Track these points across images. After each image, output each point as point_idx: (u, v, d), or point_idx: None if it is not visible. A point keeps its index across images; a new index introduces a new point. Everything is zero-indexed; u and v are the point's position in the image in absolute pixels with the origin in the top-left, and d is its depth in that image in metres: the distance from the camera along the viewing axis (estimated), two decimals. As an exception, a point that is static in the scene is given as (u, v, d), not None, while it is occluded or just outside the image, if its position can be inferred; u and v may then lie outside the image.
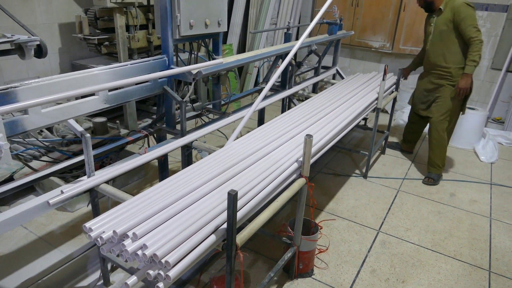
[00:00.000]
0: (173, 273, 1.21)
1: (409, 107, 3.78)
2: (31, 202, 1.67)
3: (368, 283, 2.18)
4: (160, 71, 2.28)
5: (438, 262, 2.38)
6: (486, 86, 4.72)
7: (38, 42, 1.87)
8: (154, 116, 3.02)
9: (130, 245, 1.27)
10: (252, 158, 1.92)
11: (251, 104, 2.55)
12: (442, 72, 3.18)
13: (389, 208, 2.91)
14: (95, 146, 2.23)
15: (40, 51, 1.92)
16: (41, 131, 2.89)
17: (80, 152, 2.62)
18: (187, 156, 2.27)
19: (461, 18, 2.89)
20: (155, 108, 3.85)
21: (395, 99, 3.62)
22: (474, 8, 2.91)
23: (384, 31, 5.07)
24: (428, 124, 3.50)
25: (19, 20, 2.02)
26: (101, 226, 1.38)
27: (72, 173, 2.64)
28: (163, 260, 1.21)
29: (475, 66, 2.95)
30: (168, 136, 2.56)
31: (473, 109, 4.16)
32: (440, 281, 2.23)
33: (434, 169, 3.37)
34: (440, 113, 3.22)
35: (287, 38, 3.56)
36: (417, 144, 4.10)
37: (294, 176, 1.88)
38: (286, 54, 2.95)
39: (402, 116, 4.69)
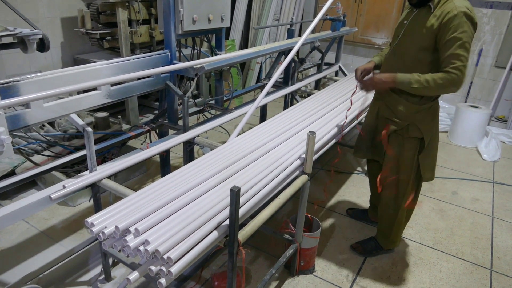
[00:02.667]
0: (175, 269, 1.20)
1: None
2: (33, 196, 1.67)
3: (369, 281, 2.18)
4: (162, 66, 2.27)
5: (439, 260, 2.38)
6: (490, 85, 4.70)
7: (40, 36, 1.86)
8: (156, 112, 3.01)
9: (132, 241, 1.26)
10: (255, 155, 1.92)
11: (253, 100, 2.54)
12: (389, 105, 2.01)
13: (391, 206, 2.90)
14: (97, 141, 2.22)
15: (43, 45, 1.92)
16: (43, 125, 2.88)
17: (82, 147, 2.62)
18: (189, 152, 2.26)
19: (450, 33, 1.70)
20: (157, 103, 3.85)
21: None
22: (475, 23, 1.72)
23: (387, 28, 5.04)
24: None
25: (21, 13, 2.01)
26: (103, 221, 1.38)
27: (73, 168, 2.64)
28: (165, 256, 1.21)
29: (412, 86, 1.79)
30: (170, 131, 2.56)
31: (476, 107, 4.14)
32: (441, 279, 2.23)
33: (384, 240, 2.34)
34: (387, 168, 2.10)
35: (290, 34, 3.54)
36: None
37: (296, 173, 1.88)
38: (289, 50, 2.93)
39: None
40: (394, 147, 2.04)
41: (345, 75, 4.17)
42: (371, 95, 2.29)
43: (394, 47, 1.97)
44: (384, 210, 2.25)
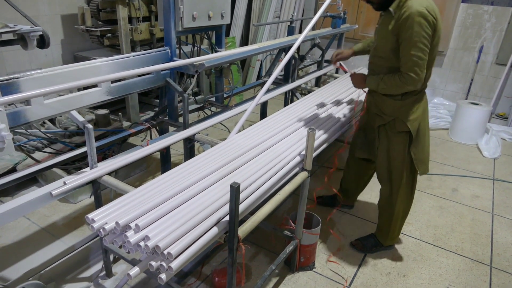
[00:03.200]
0: (175, 264, 1.21)
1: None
2: (34, 193, 1.68)
3: (369, 277, 2.19)
4: (162, 63, 2.27)
5: (439, 256, 2.39)
6: (490, 82, 4.69)
7: (40, 33, 1.86)
8: (157, 109, 3.02)
9: (132, 237, 1.27)
10: (255, 151, 1.92)
11: (253, 98, 2.54)
12: (376, 101, 2.10)
13: (391, 203, 2.90)
14: (97, 138, 2.22)
15: (43, 42, 1.92)
16: (44, 122, 2.89)
17: (82, 144, 2.62)
18: (189, 148, 2.27)
19: (404, 35, 1.78)
20: (157, 100, 3.85)
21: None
22: (430, 21, 1.74)
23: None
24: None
25: (21, 11, 2.01)
26: (104, 217, 1.39)
27: (74, 165, 2.64)
28: (165, 252, 1.21)
29: (377, 89, 1.98)
30: (171, 128, 2.56)
31: (476, 104, 4.14)
32: (441, 275, 2.23)
33: (383, 237, 2.35)
34: (380, 164, 2.17)
35: (291, 31, 3.54)
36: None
37: (296, 169, 1.88)
38: (289, 47, 2.93)
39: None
40: (383, 141, 2.10)
41: (346, 72, 4.16)
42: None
43: (373, 50, 2.06)
44: (382, 207, 2.29)
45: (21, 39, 1.89)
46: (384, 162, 2.13)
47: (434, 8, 1.79)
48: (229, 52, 2.51)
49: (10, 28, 1.78)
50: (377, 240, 2.38)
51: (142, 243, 1.25)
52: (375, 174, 2.41)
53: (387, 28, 1.88)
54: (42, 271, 2.09)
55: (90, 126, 1.78)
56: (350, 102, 2.79)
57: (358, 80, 2.14)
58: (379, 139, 2.13)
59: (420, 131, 2.02)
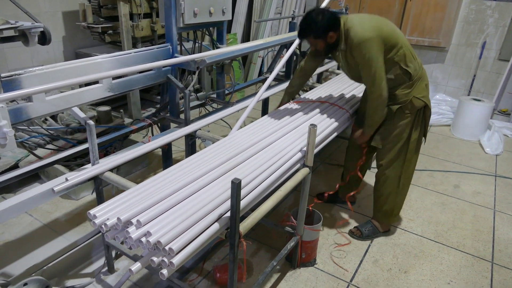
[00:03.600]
0: (176, 260, 1.22)
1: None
2: (36, 189, 1.68)
3: (370, 273, 2.19)
4: (164, 59, 2.27)
5: (441, 253, 2.39)
6: (493, 78, 4.67)
7: (41, 29, 1.86)
8: (158, 106, 3.02)
9: (134, 232, 1.27)
10: (256, 148, 1.92)
11: (255, 94, 2.54)
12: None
13: (393, 199, 2.90)
14: (99, 135, 2.23)
15: (44, 38, 1.92)
16: (46, 119, 2.89)
17: (84, 141, 2.63)
18: (191, 145, 2.27)
19: (358, 60, 1.99)
20: (159, 97, 3.86)
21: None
22: (373, 37, 1.90)
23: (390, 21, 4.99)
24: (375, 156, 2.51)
25: (22, 7, 2.01)
26: (106, 213, 1.39)
27: (76, 161, 2.65)
28: (167, 247, 1.22)
29: (372, 127, 2.18)
30: (172, 125, 2.56)
31: (479, 100, 4.12)
32: (442, 271, 2.23)
33: (386, 218, 2.45)
34: (390, 146, 2.25)
35: (292, 28, 3.53)
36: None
37: (297, 165, 1.88)
38: (291, 43, 2.92)
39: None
40: (398, 122, 2.19)
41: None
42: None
43: (353, 80, 2.29)
44: (379, 190, 2.38)
45: (23, 36, 1.90)
46: (395, 142, 2.22)
47: (374, 22, 1.97)
48: (231, 49, 2.50)
49: (11, 24, 1.79)
50: (375, 226, 2.46)
51: (143, 239, 1.25)
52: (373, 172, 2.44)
53: (351, 60, 2.07)
54: (45, 267, 2.10)
55: (91, 122, 1.78)
56: (351, 98, 2.78)
57: (360, 137, 2.29)
58: (395, 121, 2.20)
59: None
